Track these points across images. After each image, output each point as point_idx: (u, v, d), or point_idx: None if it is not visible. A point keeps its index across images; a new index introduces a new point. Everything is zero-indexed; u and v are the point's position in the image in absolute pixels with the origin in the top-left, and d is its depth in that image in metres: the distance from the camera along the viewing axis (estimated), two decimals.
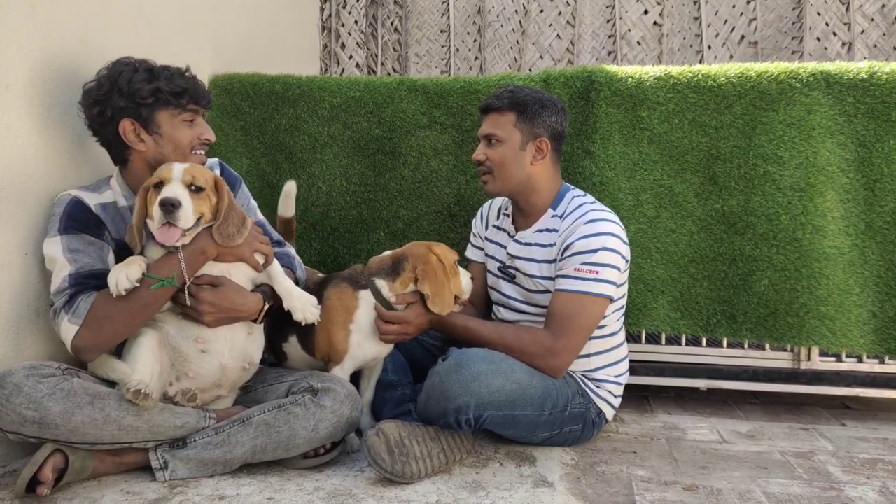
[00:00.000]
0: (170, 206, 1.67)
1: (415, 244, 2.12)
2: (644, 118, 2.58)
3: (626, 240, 2.06)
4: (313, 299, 1.95)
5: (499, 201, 2.40)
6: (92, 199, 1.89)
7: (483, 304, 2.41)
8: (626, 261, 2.06)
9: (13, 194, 1.89)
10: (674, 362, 2.61)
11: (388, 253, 2.15)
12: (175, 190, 1.70)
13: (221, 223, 1.78)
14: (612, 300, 2.03)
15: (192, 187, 1.74)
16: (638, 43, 4.15)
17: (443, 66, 4.45)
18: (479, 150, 2.14)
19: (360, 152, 2.85)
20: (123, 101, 1.84)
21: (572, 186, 2.21)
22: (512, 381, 1.87)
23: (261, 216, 2.24)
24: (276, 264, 1.95)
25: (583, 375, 2.12)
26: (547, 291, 2.09)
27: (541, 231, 2.14)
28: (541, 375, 1.97)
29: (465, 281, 2.12)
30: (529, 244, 2.15)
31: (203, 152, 1.97)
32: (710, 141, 2.51)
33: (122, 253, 1.84)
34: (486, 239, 2.36)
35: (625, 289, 2.15)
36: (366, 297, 2.04)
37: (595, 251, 1.98)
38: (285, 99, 2.88)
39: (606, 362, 2.14)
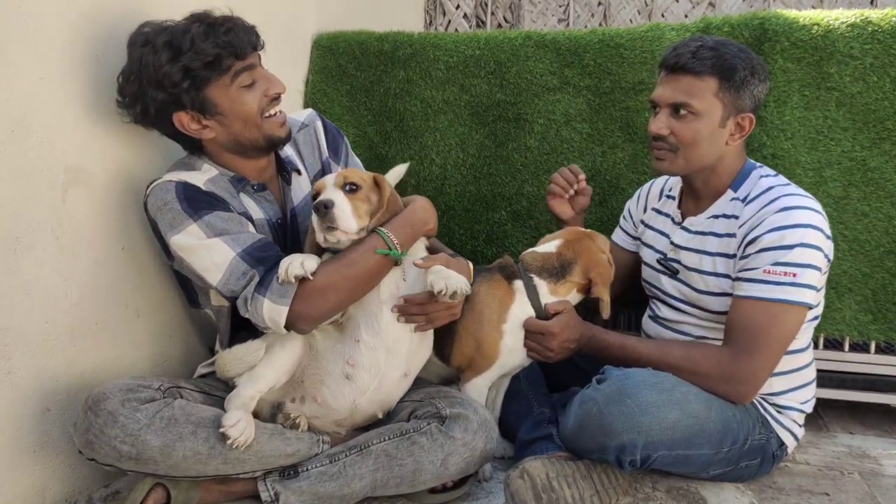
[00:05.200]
0: (323, 208, 1.50)
1: (578, 237, 1.81)
2: (832, 75, 2.09)
3: (829, 233, 1.63)
4: (462, 277, 1.59)
5: (661, 180, 2.00)
6: (196, 179, 1.63)
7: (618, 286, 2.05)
8: (829, 260, 1.64)
9: (105, 184, 1.67)
10: (859, 373, 2.17)
11: (548, 247, 1.83)
12: (327, 194, 1.54)
13: (388, 217, 1.60)
14: (810, 308, 1.62)
15: (347, 187, 1.57)
16: None
17: (560, 14, 3.98)
18: (660, 121, 1.69)
19: (478, 120, 2.50)
20: (161, 93, 1.55)
21: (758, 163, 1.78)
22: (688, 415, 1.53)
23: None
24: None
25: (763, 400, 1.73)
26: (722, 294, 1.70)
27: (716, 217, 1.74)
28: (719, 403, 1.61)
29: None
30: (701, 233, 1.76)
31: (275, 111, 1.66)
32: None
33: None
34: (644, 224, 1.99)
35: (822, 294, 1.73)
36: (521, 289, 1.76)
37: (791, 248, 1.57)
38: (395, 59, 2.56)
39: (792, 385, 1.74)
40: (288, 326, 1.51)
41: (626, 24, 3.78)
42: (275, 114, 1.66)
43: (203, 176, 1.65)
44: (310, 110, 1.99)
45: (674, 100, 1.66)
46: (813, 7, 3.01)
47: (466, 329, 1.74)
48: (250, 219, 1.67)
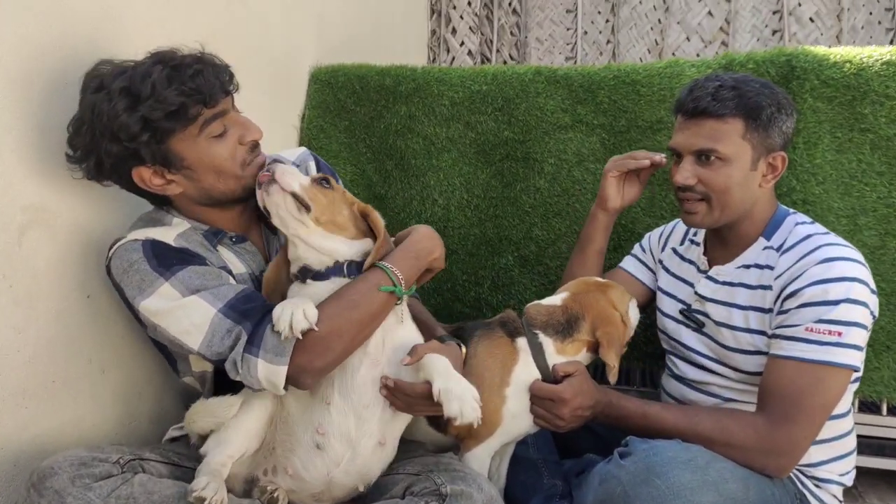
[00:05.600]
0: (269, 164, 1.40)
1: (587, 290, 1.63)
2: (866, 116, 1.95)
3: (874, 287, 1.46)
4: (474, 390, 1.36)
5: None
6: (165, 235, 1.44)
7: None
8: (874, 317, 1.47)
9: (69, 224, 1.50)
10: None
11: (553, 299, 1.65)
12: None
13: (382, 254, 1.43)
14: (855, 371, 1.44)
15: (320, 181, 1.43)
16: (811, 20, 3.43)
17: (567, 52, 3.88)
18: (686, 170, 1.54)
19: (484, 158, 2.35)
20: (117, 146, 1.34)
21: (791, 209, 1.62)
22: (725, 497, 1.33)
23: None
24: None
25: (800, 473, 1.54)
26: (756, 352, 1.52)
27: (747, 267, 1.57)
28: (757, 480, 1.42)
29: (633, 323, 1.67)
30: (730, 283, 1.59)
31: (255, 159, 1.46)
32: None
33: None
34: (663, 266, 1.82)
35: (864, 354, 1.54)
36: (525, 348, 1.57)
37: (835, 304, 1.40)
38: (397, 94, 2.42)
39: (831, 455, 1.55)
40: (289, 384, 1.33)
41: (636, 62, 3.67)
42: (255, 163, 1.47)
43: (173, 231, 1.46)
44: (303, 149, 1.82)
45: (698, 146, 1.51)
46: (830, 45, 2.90)
47: None
48: (231, 273, 1.49)
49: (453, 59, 4.00)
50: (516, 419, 1.56)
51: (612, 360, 1.52)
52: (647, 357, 2.17)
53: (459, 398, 1.30)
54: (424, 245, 1.50)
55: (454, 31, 4.02)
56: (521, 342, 1.58)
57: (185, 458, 1.44)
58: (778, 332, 1.47)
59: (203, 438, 1.42)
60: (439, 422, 1.58)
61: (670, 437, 1.45)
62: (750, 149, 1.50)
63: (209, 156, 1.41)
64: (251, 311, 1.34)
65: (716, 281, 1.63)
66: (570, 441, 1.83)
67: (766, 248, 1.56)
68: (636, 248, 1.93)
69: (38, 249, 1.42)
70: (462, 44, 4.00)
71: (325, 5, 2.65)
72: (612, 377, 1.54)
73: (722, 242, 1.64)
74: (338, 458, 1.39)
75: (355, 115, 2.47)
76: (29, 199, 1.40)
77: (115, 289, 1.43)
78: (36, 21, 1.40)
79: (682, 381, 1.72)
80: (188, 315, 1.33)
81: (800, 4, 3.45)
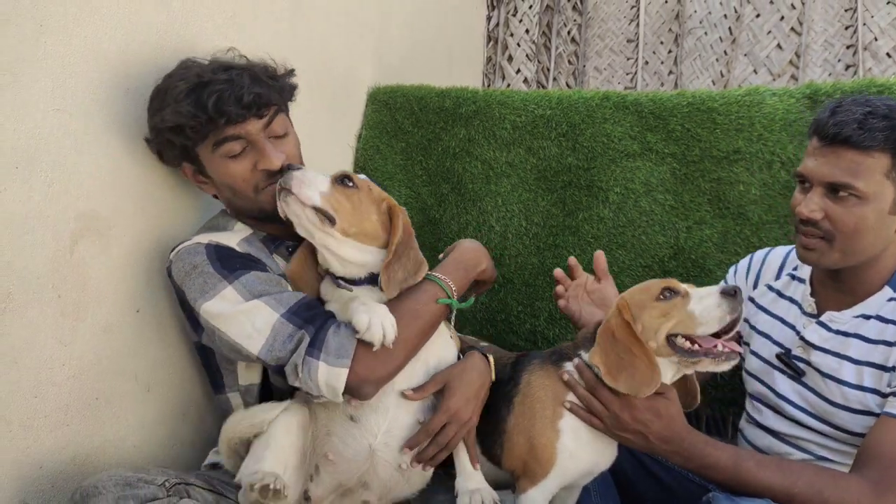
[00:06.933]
0: (286, 169, 1.36)
1: (623, 294, 1.45)
2: None
3: None
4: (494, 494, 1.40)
5: (781, 251, 1.66)
6: (229, 239, 1.43)
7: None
8: None
9: (125, 235, 1.45)
10: None
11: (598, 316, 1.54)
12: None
13: (392, 260, 1.36)
14: None
15: (342, 179, 1.39)
16: (888, 55, 3.27)
17: (627, 82, 3.78)
18: (813, 202, 1.37)
19: (546, 185, 2.25)
20: (157, 139, 1.43)
21: None
22: None
23: None
24: None
25: None
26: (864, 412, 1.36)
27: (866, 318, 1.41)
28: None
29: (699, 309, 1.31)
30: (843, 333, 1.43)
31: (270, 186, 1.42)
32: None
33: None
34: (755, 303, 1.64)
35: None
36: (574, 373, 1.43)
37: None
38: (457, 116, 2.35)
39: None
40: (348, 392, 1.28)
41: (711, 90, 3.55)
42: (269, 190, 1.42)
43: (236, 236, 1.46)
44: (362, 176, 1.78)
45: (833, 179, 1.33)
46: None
47: (517, 427, 1.43)
48: (287, 280, 1.45)
49: (508, 86, 3.94)
50: (573, 458, 1.41)
51: (597, 361, 1.35)
52: (715, 402, 2.02)
53: (473, 493, 1.36)
54: (470, 257, 1.52)
55: (510, 58, 3.96)
56: (569, 366, 1.45)
57: (228, 486, 1.36)
58: (893, 389, 1.32)
59: (236, 461, 1.35)
60: (493, 452, 1.47)
61: (759, 494, 1.30)
62: (893, 189, 1.32)
63: (223, 174, 1.43)
64: (314, 318, 1.33)
65: (828, 328, 1.45)
66: (634, 490, 1.69)
67: (891, 299, 1.39)
68: None
69: (89, 260, 1.37)
70: (518, 71, 3.94)
71: (383, 28, 2.61)
72: (611, 382, 1.33)
73: (838, 286, 1.46)
74: (374, 429, 1.36)
75: (412, 137, 2.41)
76: (83, 207, 1.35)
77: (176, 292, 1.41)
78: (101, 28, 1.37)
79: (767, 431, 1.56)
80: (251, 319, 1.31)
81: (876, 39, 3.29)
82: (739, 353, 1.30)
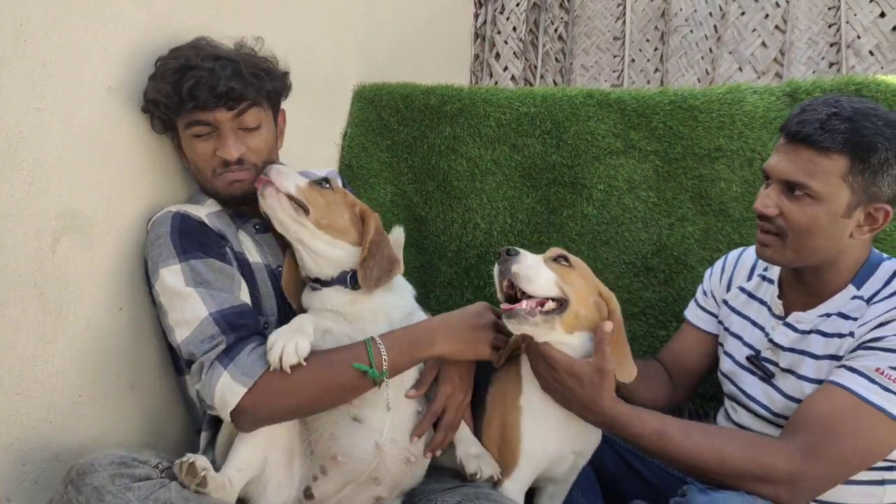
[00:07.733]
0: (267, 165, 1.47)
1: None
2: None
3: None
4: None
5: (753, 252, 1.66)
6: (199, 212, 1.48)
7: (687, 380, 1.76)
8: None
9: (107, 233, 1.45)
10: None
11: None
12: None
13: (367, 257, 1.39)
14: None
15: (320, 182, 1.46)
16: (871, 53, 3.30)
17: (614, 80, 3.80)
18: (769, 198, 1.39)
19: (530, 183, 2.27)
20: (146, 106, 1.50)
21: (886, 255, 1.46)
22: None
23: None
24: None
25: None
26: None
27: (828, 316, 1.42)
28: None
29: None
30: (807, 332, 1.44)
31: (226, 173, 1.47)
32: None
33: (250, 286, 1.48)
34: (729, 306, 1.65)
35: None
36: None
37: None
38: (442, 114, 2.36)
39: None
40: (236, 412, 1.28)
41: (693, 87, 3.58)
42: (226, 176, 1.48)
43: (206, 210, 1.51)
44: (331, 169, 1.83)
45: (789, 177, 1.35)
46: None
47: (492, 417, 1.50)
48: (247, 264, 1.49)
49: (496, 83, 3.95)
50: (537, 439, 1.44)
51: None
52: (697, 397, 2.04)
53: (478, 457, 1.41)
54: (430, 335, 1.39)
55: (498, 55, 3.97)
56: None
57: None
58: (846, 363, 1.33)
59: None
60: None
61: (692, 462, 1.32)
62: (848, 193, 1.32)
63: (189, 151, 1.49)
64: (240, 328, 1.34)
65: (795, 329, 1.46)
66: (616, 486, 1.72)
67: (854, 297, 1.40)
68: (699, 293, 1.77)
69: (71, 258, 1.37)
70: (506, 69, 3.95)
71: (369, 25, 2.61)
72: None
73: (803, 287, 1.47)
74: (378, 426, 1.38)
75: (398, 135, 2.42)
76: (64, 206, 1.35)
77: (144, 264, 1.48)
78: (82, 26, 1.37)
79: (741, 428, 1.58)
80: (182, 308, 1.34)
81: (859, 37, 3.32)
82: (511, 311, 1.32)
